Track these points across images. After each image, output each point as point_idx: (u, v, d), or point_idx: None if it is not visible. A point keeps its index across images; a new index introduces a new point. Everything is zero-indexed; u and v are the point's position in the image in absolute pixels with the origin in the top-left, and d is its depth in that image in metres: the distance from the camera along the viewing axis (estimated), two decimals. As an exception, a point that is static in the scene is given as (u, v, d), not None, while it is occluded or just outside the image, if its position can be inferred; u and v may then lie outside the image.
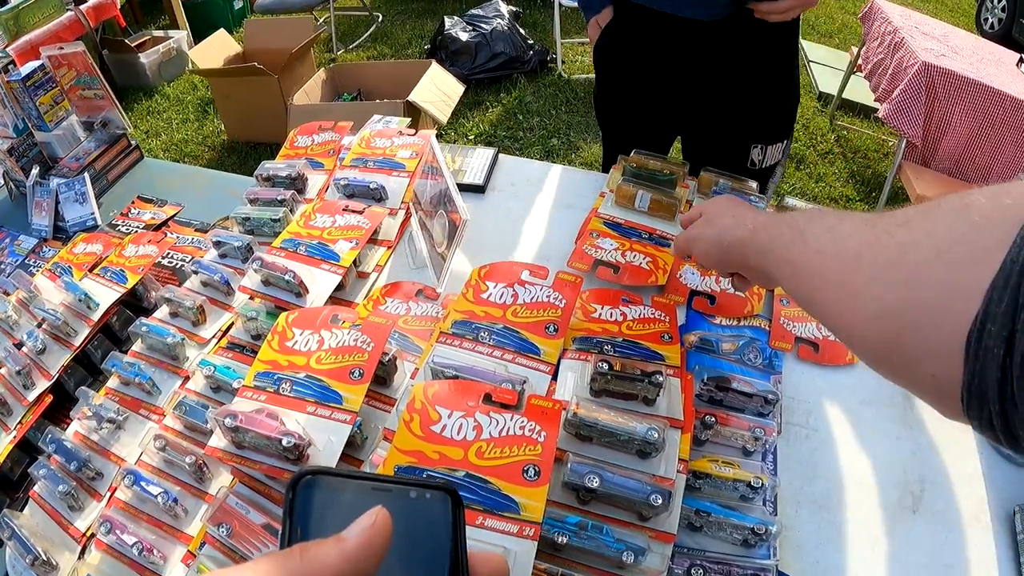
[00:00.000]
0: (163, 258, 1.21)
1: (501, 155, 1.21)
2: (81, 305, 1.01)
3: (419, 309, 0.88)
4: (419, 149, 1.12)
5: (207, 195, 1.41)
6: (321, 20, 4.57)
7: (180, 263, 1.22)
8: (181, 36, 4.43)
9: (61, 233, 1.39)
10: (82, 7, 3.89)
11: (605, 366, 0.70)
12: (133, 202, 1.42)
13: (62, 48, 1.43)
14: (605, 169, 1.75)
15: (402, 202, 1.05)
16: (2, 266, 1.34)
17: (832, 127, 4.02)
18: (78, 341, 0.99)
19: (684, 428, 0.70)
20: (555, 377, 0.76)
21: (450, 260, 0.86)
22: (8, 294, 1.10)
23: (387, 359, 0.72)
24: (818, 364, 0.88)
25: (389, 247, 1.01)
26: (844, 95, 4.06)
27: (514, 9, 4.15)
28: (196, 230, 1.31)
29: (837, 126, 4.04)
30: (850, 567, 0.69)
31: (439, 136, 3.31)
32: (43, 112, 1.42)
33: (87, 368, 1.03)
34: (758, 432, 0.74)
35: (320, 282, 0.88)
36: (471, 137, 3.54)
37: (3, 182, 1.54)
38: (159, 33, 4.55)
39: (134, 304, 1.10)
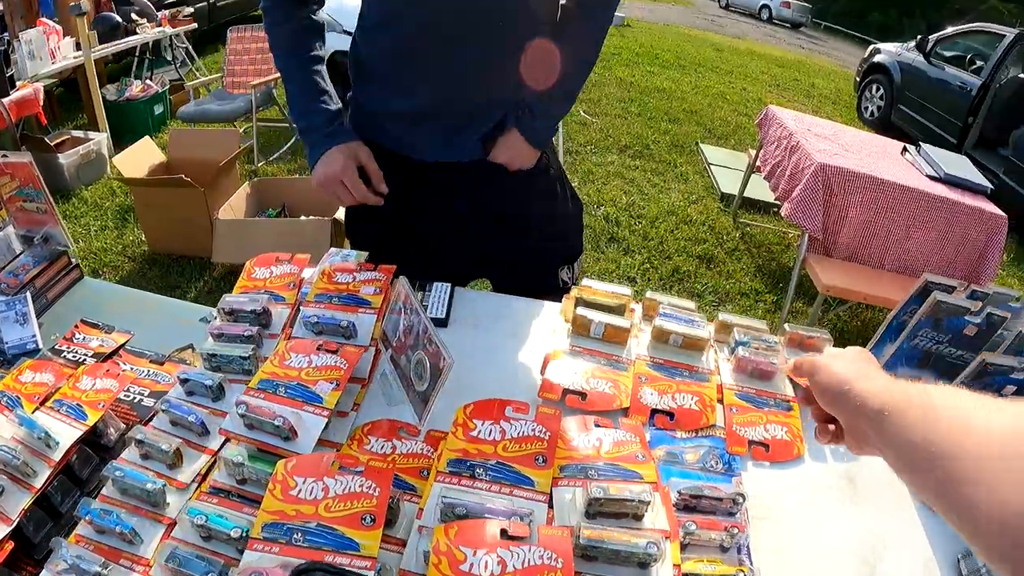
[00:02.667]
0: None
1: (458, 288, 1.27)
2: (39, 443, 0.96)
3: (404, 447, 0.92)
4: (382, 284, 1.16)
5: (157, 322, 1.38)
6: (241, 130, 4.62)
7: (138, 397, 1.19)
8: (101, 138, 4.36)
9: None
10: (4, 100, 3.83)
11: (600, 491, 0.77)
12: (77, 326, 1.36)
13: (6, 156, 1.40)
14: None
15: (371, 339, 1.08)
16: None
17: (736, 225, 4.35)
18: (38, 482, 0.93)
19: (672, 537, 0.78)
20: (550, 504, 0.81)
21: (434, 400, 0.91)
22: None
23: (393, 501, 0.75)
24: (771, 461, 0.99)
25: (364, 385, 1.04)
26: (745, 194, 4.39)
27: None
28: (151, 361, 1.28)
29: (741, 223, 4.37)
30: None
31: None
32: (-22, 221, 1.35)
33: (47, 511, 0.96)
34: (733, 531, 0.83)
35: (307, 425, 0.90)
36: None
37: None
38: (78, 133, 4.46)
39: (93, 441, 1.07)
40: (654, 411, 1.01)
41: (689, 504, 0.86)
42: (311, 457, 0.81)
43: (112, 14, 5.56)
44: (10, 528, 0.90)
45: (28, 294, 1.37)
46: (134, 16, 5.78)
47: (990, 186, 3.41)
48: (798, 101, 9.41)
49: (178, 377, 1.02)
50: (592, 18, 1.27)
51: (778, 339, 1.19)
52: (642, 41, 11.41)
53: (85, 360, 1.27)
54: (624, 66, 9.06)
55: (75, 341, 1.34)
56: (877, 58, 8.70)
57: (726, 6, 26.56)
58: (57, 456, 0.97)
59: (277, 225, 3.25)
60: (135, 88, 5.26)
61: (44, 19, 5.14)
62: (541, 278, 1.46)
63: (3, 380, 1.13)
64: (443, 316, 1.19)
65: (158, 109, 5.30)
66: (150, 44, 5.94)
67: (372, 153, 1.31)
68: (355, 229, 1.49)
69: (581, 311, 1.14)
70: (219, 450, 0.93)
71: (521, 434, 0.88)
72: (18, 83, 4.30)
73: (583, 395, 1.01)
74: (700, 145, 5.99)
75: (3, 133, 3.91)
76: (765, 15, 24.83)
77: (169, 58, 6.49)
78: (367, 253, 1.27)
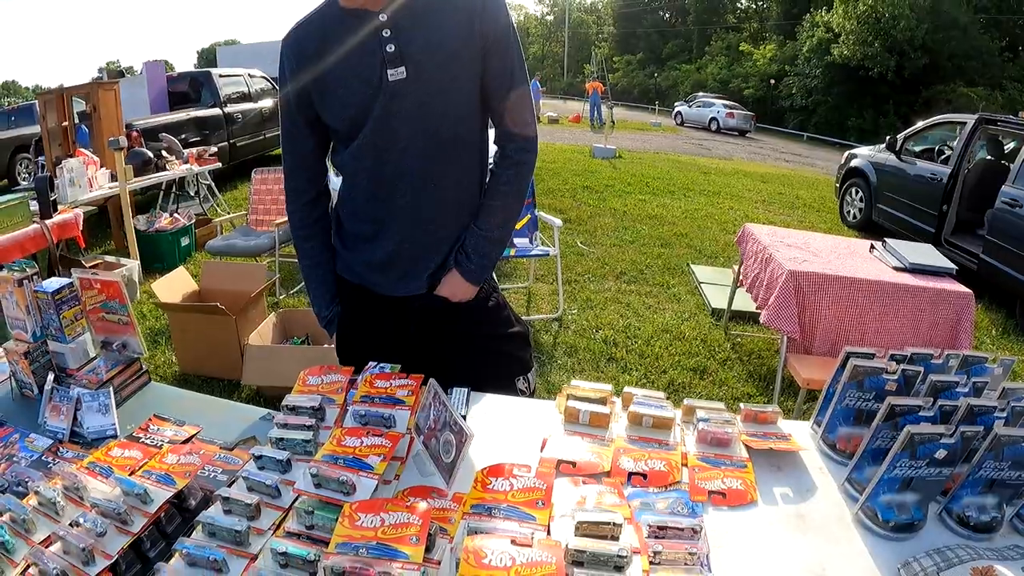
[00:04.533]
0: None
1: (473, 392, 1.55)
2: (136, 499, 1.18)
3: (436, 503, 1.19)
4: (412, 388, 1.45)
5: (220, 420, 1.57)
6: (265, 263, 4.97)
7: (213, 474, 1.41)
8: (134, 265, 4.73)
9: (77, 438, 1.50)
10: (47, 222, 4.15)
11: (584, 515, 1.06)
12: (151, 419, 1.56)
13: (96, 273, 1.65)
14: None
15: (407, 428, 1.36)
16: (16, 459, 1.43)
17: (727, 336, 4.56)
18: (135, 528, 1.14)
19: (642, 552, 1.04)
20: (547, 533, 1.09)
21: (459, 467, 1.20)
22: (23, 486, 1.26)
23: (433, 529, 1.02)
24: (728, 506, 1.23)
25: (402, 462, 1.31)
26: (733, 307, 4.62)
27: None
28: (222, 447, 1.52)
29: (731, 335, 4.58)
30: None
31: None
32: (64, 326, 1.60)
33: (137, 555, 1.15)
34: (692, 549, 1.06)
35: (362, 485, 1.16)
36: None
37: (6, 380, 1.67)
38: (111, 259, 4.83)
39: (177, 504, 1.25)
40: (630, 474, 1.28)
41: (657, 535, 1.10)
42: (370, 501, 1.08)
43: (144, 150, 6.16)
44: (109, 563, 1.09)
45: (111, 389, 1.59)
46: (163, 153, 6.38)
47: (954, 267, 3.62)
48: (783, 213, 9.73)
49: (253, 454, 1.28)
50: (511, 178, 1.59)
51: (734, 415, 1.46)
52: (633, 171, 12.05)
53: (163, 445, 1.46)
54: (617, 197, 9.48)
55: (150, 431, 1.53)
56: (853, 163, 9.03)
57: (681, 123, 28.61)
58: (152, 509, 1.18)
59: (303, 352, 3.55)
60: (164, 220, 5.77)
61: (81, 149, 5.67)
62: (502, 389, 1.69)
63: (94, 454, 1.36)
64: (464, 413, 1.47)
65: (184, 241, 5.78)
66: (176, 179, 6.52)
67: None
68: (344, 354, 1.82)
69: (571, 403, 1.45)
70: (291, 506, 1.18)
71: (525, 486, 1.17)
72: (59, 207, 4.73)
73: (573, 464, 1.29)
74: (691, 266, 6.28)
75: (43, 251, 4.24)
76: (714, 127, 26.62)
77: (192, 193, 7.07)
78: (400, 365, 1.55)
